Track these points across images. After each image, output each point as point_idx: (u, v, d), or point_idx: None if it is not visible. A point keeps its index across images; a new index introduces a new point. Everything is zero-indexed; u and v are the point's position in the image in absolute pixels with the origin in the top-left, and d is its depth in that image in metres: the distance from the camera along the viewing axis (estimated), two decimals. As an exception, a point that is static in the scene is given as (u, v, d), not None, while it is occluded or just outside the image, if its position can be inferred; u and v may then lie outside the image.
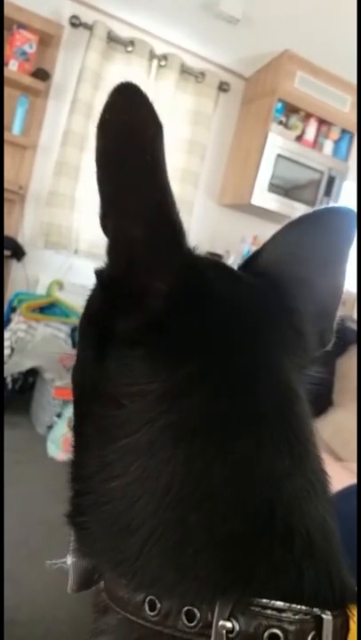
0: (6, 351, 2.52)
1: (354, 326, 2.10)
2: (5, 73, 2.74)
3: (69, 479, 0.40)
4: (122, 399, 0.36)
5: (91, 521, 0.35)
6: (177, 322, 0.36)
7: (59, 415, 2.43)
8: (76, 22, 2.93)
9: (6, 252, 2.82)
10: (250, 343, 0.38)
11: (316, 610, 0.30)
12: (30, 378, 2.71)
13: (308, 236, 0.46)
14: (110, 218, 0.35)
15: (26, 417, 2.65)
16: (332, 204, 0.46)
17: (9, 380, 2.56)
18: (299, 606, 0.29)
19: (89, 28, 2.92)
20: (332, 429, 1.62)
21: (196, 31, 3.01)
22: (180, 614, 0.30)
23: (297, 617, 0.29)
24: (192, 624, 0.30)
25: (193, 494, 0.32)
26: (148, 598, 0.31)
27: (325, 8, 2.50)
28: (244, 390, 0.36)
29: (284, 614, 0.29)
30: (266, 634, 0.29)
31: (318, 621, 0.29)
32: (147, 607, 0.31)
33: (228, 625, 0.29)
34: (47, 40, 2.91)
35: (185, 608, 0.30)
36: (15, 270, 2.98)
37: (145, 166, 0.33)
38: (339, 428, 1.60)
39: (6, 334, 2.58)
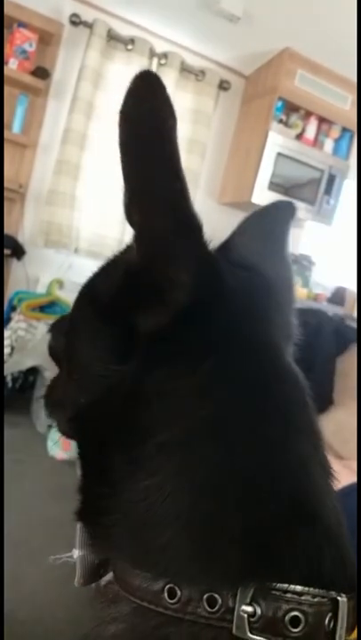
0: (6, 350, 2.51)
1: (354, 325, 2.10)
2: (5, 71, 2.74)
3: (84, 484, 0.41)
4: (151, 398, 0.35)
5: (116, 519, 0.36)
6: (200, 317, 0.36)
7: (59, 414, 2.42)
8: (76, 20, 2.92)
9: (6, 251, 2.82)
10: (264, 336, 0.40)
11: (332, 593, 0.31)
12: (31, 377, 2.71)
13: (258, 229, 0.51)
14: (136, 206, 0.35)
15: (26, 416, 2.65)
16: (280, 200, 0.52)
17: (9, 378, 2.56)
18: (316, 590, 0.31)
19: (89, 26, 2.91)
20: (332, 428, 1.62)
21: (196, 29, 3.00)
22: (201, 601, 0.31)
23: (315, 600, 0.31)
24: (213, 609, 0.31)
25: (228, 485, 0.33)
26: (168, 586, 0.32)
27: (326, 6, 2.49)
28: (269, 380, 0.37)
29: (303, 597, 0.30)
30: (287, 617, 0.30)
31: (335, 604, 0.31)
32: (166, 595, 0.32)
33: (250, 609, 0.30)
34: (47, 38, 2.91)
35: (206, 595, 0.31)
36: (15, 269, 2.98)
37: (167, 156, 0.33)
38: (339, 427, 1.60)
39: (6, 333, 2.57)
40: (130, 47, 3.00)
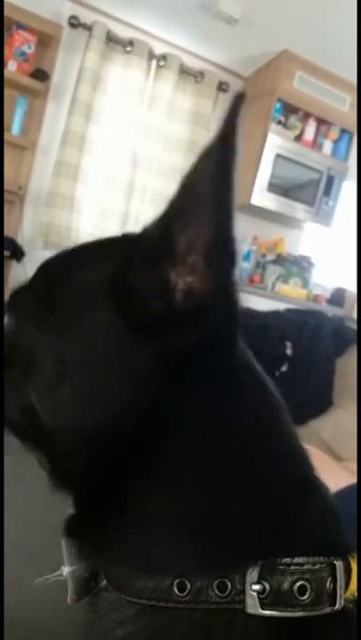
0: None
1: (354, 326, 2.10)
2: (4, 74, 2.74)
3: (81, 503, 0.41)
4: (197, 419, 0.37)
5: (119, 531, 0.37)
6: (228, 334, 0.38)
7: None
8: (75, 23, 2.93)
9: (6, 253, 2.82)
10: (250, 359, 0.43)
11: (331, 558, 0.34)
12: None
13: None
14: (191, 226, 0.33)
15: (26, 418, 2.65)
16: None
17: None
18: (316, 558, 0.34)
19: (88, 28, 2.92)
20: (332, 429, 1.62)
21: (194, 31, 3.01)
22: (211, 588, 0.33)
23: (316, 567, 0.34)
24: (225, 594, 0.33)
25: (240, 472, 0.36)
26: (177, 581, 0.34)
27: (324, 7, 2.50)
28: (271, 391, 0.41)
29: (305, 567, 0.33)
30: (295, 587, 0.33)
31: (332, 567, 0.34)
32: (176, 589, 0.33)
33: (259, 587, 0.32)
34: (46, 40, 2.92)
35: (216, 581, 0.33)
36: (15, 271, 2.98)
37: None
38: (339, 428, 1.60)
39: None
40: (129, 49, 3.01)
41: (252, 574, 0.33)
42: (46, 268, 0.44)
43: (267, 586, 0.33)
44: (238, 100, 0.32)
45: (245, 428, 0.37)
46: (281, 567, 0.33)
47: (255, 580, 0.33)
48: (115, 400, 0.37)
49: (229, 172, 0.31)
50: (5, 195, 2.87)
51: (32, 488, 2.03)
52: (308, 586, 0.33)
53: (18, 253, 2.87)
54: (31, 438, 0.44)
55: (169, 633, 0.34)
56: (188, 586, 0.33)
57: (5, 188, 2.83)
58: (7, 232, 2.91)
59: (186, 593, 0.33)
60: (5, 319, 0.46)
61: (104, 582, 0.40)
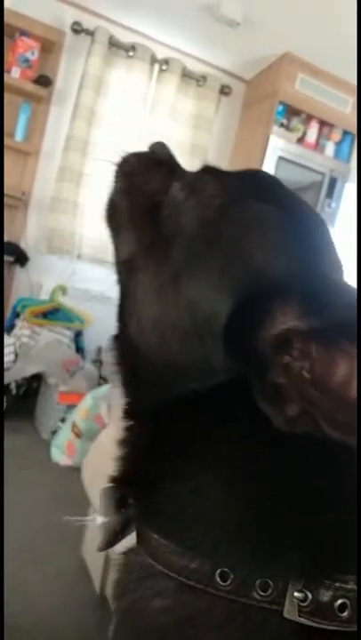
0: (10, 357, 2.52)
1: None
2: (8, 80, 2.76)
3: (146, 457, 0.41)
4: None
5: (177, 501, 0.38)
6: None
7: (62, 420, 2.43)
8: (77, 28, 2.94)
9: (10, 258, 2.84)
10: None
11: None
12: (34, 383, 2.71)
13: None
14: None
15: (30, 422, 2.66)
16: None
17: (13, 385, 2.56)
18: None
19: (90, 33, 2.93)
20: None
21: (196, 35, 3.02)
22: (253, 585, 0.34)
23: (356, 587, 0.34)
24: (266, 593, 0.34)
25: (297, 493, 0.36)
26: (221, 570, 0.35)
27: (325, 10, 2.50)
28: None
29: (349, 585, 0.34)
30: (336, 603, 0.34)
31: None
32: (218, 578, 0.35)
33: (301, 595, 0.33)
34: (49, 47, 2.93)
35: (259, 580, 0.34)
36: (19, 276, 2.99)
37: None
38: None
39: (10, 340, 2.58)
40: (131, 54, 3.02)
41: (298, 582, 0.34)
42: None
43: (309, 595, 0.34)
44: None
45: (316, 447, 0.36)
46: (327, 582, 0.34)
47: (299, 587, 0.34)
48: (188, 353, 0.37)
49: None
50: (9, 200, 2.88)
51: (36, 492, 2.04)
52: (349, 603, 0.34)
53: (22, 258, 2.89)
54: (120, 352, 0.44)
55: (205, 617, 0.35)
56: (232, 577, 0.35)
57: (9, 193, 2.85)
58: (11, 237, 2.93)
59: (228, 583, 0.35)
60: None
61: (133, 542, 0.42)
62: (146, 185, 0.48)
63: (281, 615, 0.33)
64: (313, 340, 0.32)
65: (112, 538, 0.43)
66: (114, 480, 0.43)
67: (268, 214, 0.39)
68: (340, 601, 0.34)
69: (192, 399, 0.38)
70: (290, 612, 0.33)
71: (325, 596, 0.34)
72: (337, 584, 0.34)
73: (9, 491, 1.74)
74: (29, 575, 1.49)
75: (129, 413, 0.44)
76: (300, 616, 0.33)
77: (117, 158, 0.50)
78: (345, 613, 0.34)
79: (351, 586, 0.34)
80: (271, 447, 0.36)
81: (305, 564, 0.35)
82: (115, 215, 0.49)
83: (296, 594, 0.33)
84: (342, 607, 0.34)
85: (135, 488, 0.41)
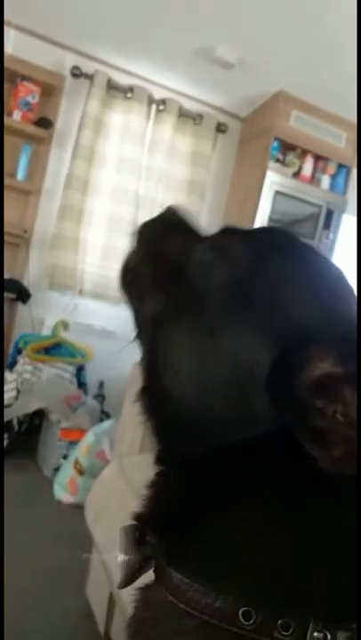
0: (12, 393, 2.52)
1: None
2: (9, 122, 2.85)
3: (176, 495, 0.42)
4: (295, 475, 0.38)
5: (203, 542, 0.39)
6: None
7: (65, 457, 2.40)
8: (77, 73, 3.04)
9: (12, 295, 2.86)
10: None
11: None
12: (36, 419, 2.70)
13: None
14: None
15: (32, 459, 2.63)
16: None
17: (15, 422, 2.55)
18: None
19: (89, 77, 3.03)
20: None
21: (192, 76, 3.11)
22: (275, 625, 0.36)
23: None
24: (287, 633, 0.35)
25: (325, 544, 0.38)
26: (243, 609, 0.36)
27: (316, 50, 2.59)
28: None
29: None
30: None
31: None
32: (241, 617, 0.36)
33: (320, 635, 0.35)
34: (49, 90, 3.03)
35: (281, 620, 0.36)
36: (21, 312, 3.01)
37: None
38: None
39: (12, 376, 2.58)
40: (129, 95, 3.11)
41: (318, 624, 0.35)
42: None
43: (329, 636, 0.35)
44: None
45: (333, 498, 0.38)
46: (346, 624, 0.36)
47: (319, 628, 0.35)
48: (229, 404, 0.39)
49: None
50: (11, 238, 2.93)
51: (38, 532, 2.00)
52: None
53: (24, 296, 2.91)
54: (159, 419, 0.45)
55: None
56: (254, 616, 0.36)
57: (11, 231, 2.90)
58: (13, 275, 2.96)
59: (251, 622, 0.36)
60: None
61: (151, 579, 0.43)
62: (168, 249, 0.51)
63: None
64: (347, 383, 0.33)
65: (131, 575, 0.44)
66: (138, 518, 0.44)
67: (294, 269, 0.43)
68: None
69: (227, 447, 0.39)
70: None
71: (342, 637, 0.35)
72: (354, 625, 0.36)
73: (10, 530, 1.71)
74: (32, 619, 1.45)
75: (160, 460, 0.46)
76: None
77: (138, 226, 0.55)
78: None
79: None
80: (305, 494, 0.38)
81: (329, 609, 0.36)
82: (136, 279, 0.52)
83: (316, 634, 0.35)
84: None
85: (162, 528, 0.42)
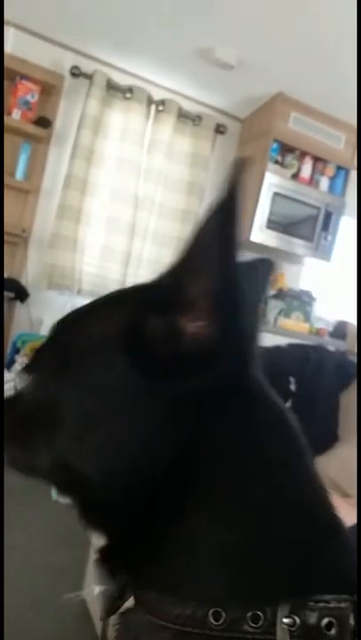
0: (10, 392, 2.51)
1: (356, 360, 2.09)
2: (8, 121, 2.85)
3: (114, 531, 0.42)
4: (224, 458, 0.39)
5: (154, 559, 0.39)
6: (244, 376, 0.40)
7: (63, 456, 2.40)
8: (76, 72, 3.04)
9: (10, 294, 2.86)
10: (270, 394, 0.44)
11: (354, 596, 0.36)
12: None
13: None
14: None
15: (30, 459, 2.63)
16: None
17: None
18: (342, 596, 0.36)
19: (89, 77, 3.03)
20: (338, 465, 1.60)
21: (192, 77, 3.12)
22: (245, 619, 0.35)
23: (342, 605, 0.36)
24: (257, 625, 0.35)
25: (269, 519, 0.38)
26: (213, 611, 0.36)
27: (316, 51, 2.60)
28: (291, 433, 0.43)
29: (332, 604, 0.36)
30: (323, 623, 0.35)
31: (355, 605, 0.36)
32: (211, 618, 0.36)
33: (289, 620, 0.35)
34: (49, 89, 3.03)
35: (249, 613, 0.35)
36: (19, 312, 3.01)
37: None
38: (345, 464, 1.58)
39: (10, 376, 2.58)
40: (128, 95, 3.12)
41: (284, 609, 0.35)
42: (63, 325, 0.46)
43: (297, 620, 0.35)
44: (240, 165, 0.35)
45: (273, 467, 0.40)
46: (310, 604, 0.35)
47: (286, 613, 0.35)
48: (140, 443, 0.39)
49: (233, 230, 0.35)
50: (10, 237, 2.93)
51: (36, 531, 2.01)
52: (335, 622, 0.35)
53: (22, 295, 2.91)
54: (66, 487, 0.45)
55: None
56: (224, 615, 0.36)
57: (10, 230, 2.89)
58: (12, 274, 2.96)
59: (221, 622, 0.35)
60: (28, 379, 0.48)
61: (131, 602, 0.43)
62: None
63: None
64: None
65: (112, 605, 0.44)
66: (101, 554, 0.44)
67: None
68: (325, 620, 0.35)
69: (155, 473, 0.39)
70: (282, 639, 0.35)
71: (312, 617, 0.35)
72: (320, 604, 0.35)
73: (8, 530, 1.71)
74: (30, 619, 1.45)
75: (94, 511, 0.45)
76: None
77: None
78: (332, 631, 0.35)
79: (334, 605, 0.36)
80: (238, 486, 0.38)
81: (285, 587, 0.36)
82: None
83: (285, 620, 0.35)
84: (329, 626, 0.35)
85: (122, 560, 0.43)
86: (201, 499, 0.38)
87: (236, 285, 0.35)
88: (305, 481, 0.41)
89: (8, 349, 2.83)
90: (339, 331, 3.50)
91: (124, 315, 0.41)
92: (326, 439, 1.68)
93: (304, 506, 0.40)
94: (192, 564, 0.38)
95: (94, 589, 0.44)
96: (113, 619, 0.45)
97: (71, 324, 0.46)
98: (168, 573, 0.39)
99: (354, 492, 1.49)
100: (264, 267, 0.57)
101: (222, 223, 0.35)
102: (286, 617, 0.35)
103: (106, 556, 0.44)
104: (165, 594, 0.38)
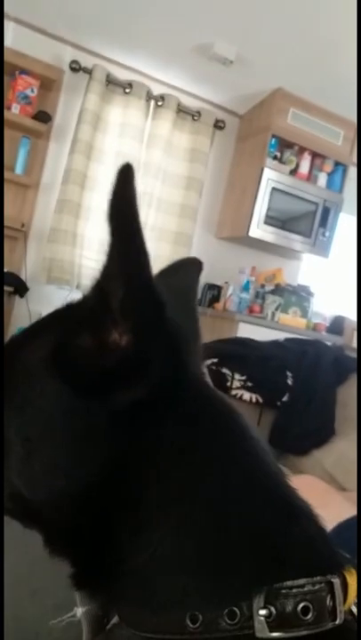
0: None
1: (353, 355, 2.11)
2: (8, 116, 2.85)
3: (76, 555, 0.43)
4: (144, 464, 0.39)
5: (123, 575, 0.39)
6: (169, 385, 0.40)
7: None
8: (75, 67, 3.05)
9: (9, 288, 2.87)
10: (208, 390, 0.45)
11: (328, 576, 0.36)
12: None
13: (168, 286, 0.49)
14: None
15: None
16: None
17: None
18: (315, 578, 0.36)
19: (88, 72, 3.04)
20: (334, 459, 1.62)
21: (191, 73, 3.13)
22: (222, 617, 0.35)
23: (316, 587, 0.36)
24: (234, 621, 0.35)
25: (228, 516, 0.38)
26: (189, 614, 0.36)
27: (315, 47, 2.61)
28: (232, 424, 0.43)
29: (306, 588, 0.35)
30: (298, 608, 0.35)
31: (330, 585, 0.36)
32: (189, 622, 0.36)
33: (265, 612, 0.34)
34: (48, 84, 3.03)
35: (225, 610, 0.35)
36: (18, 306, 3.02)
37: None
38: (341, 458, 1.60)
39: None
40: (128, 90, 3.12)
41: (258, 601, 0.35)
42: (6, 351, 0.46)
43: (273, 610, 0.34)
44: (127, 170, 0.34)
45: (221, 464, 0.40)
46: (284, 591, 0.35)
47: (261, 605, 0.35)
48: (82, 463, 0.39)
49: (128, 232, 0.34)
50: (9, 232, 2.94)
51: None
52: (311, 606, 0.35)
53: (21, 289, 2.92)
54: (26, 518, 0.45)
55: None
56: (200, 617, 0.35)
57: (9, 225, 2.90)
58: (11, 268, 2.97)
59: (198, 624, 0.35)
60: None
61: (116, 619, 0.42)
62: None
63: (255, 636, 0.34)
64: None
65: (98, 624, 0.44)
66: (74, 580, 0.43)
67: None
68: (301, 605, 0.35)
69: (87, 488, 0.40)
70: (260, 631, 0.34)
71: (288, 605, 0.35)
72: (294, 590, 0.35)
73: (8, 521, 1.73)
74: (28, 607, 1.47)
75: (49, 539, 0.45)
76: (270, 631, 0.34)
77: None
78: (309, 616, 0.35)
79: (308, 588, 0.35)
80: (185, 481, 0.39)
81: (256, 579, 0.36)
82: None
83: (261, 612, 0.34)
84: (305, 610, 0.35)
85: (94, 582, 0.42)
86: (152, 507, 0.38)
87: (144, 289, 0.35)
88: (258, 471, 0.41)
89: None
90: (336, 326, 3.52)
91: (53, 336, 0.41)
92: (323, 433, 1.70)
93: (259, 495, 0.39)
94: (158, 573, 0.37)
95: (77, 612, 0.45)
96: (100, 637, 0.45)
97: (12, 351, 0.45)
98: (138, 585, 0.38)
99: (350, 485, 1.52)
100: (194, 265, 0.59)
101: (117, 230, 0.35)
102: (262, 608, 0.35)
103: (78, 581, 0.43)
104: (142, 606, 0.38)
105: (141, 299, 0.35)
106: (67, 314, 0.43)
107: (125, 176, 0.34)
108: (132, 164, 0.34)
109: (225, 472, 0.39)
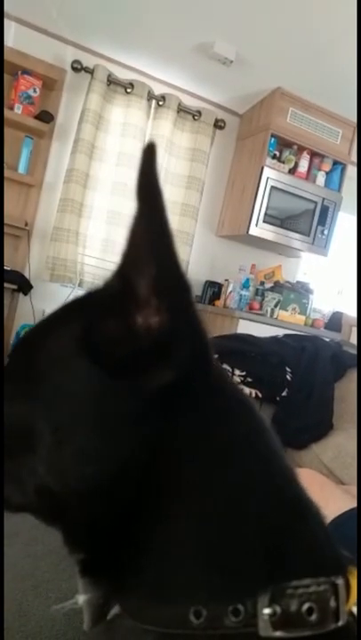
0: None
1: (352, 351, 2.15)
2: (10, 116, 2.88)
3: (90, 542, 0.43)
4: (172, 451, 0.39)
5: (133, 565, 0.39)
6: (203, 364, 0.40)
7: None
8: (77, 67, 3.08)
9: (13, 286, 2.91)
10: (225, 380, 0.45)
11: (332, 578, 0.36)
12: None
13: None
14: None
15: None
16: None
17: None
18: (320, 579, 0.36)
19: (90, 71, 3.07)
20: (332, 452, 1.65)
21: (191, 72, 3.16)
22: (226, 614, 0.35)
23: (321, 588, 0.36)
24: (239, 618, 0.35)
25: (241, 513, 0.38)
26: (193, 609, 0.36)
27: (314, 47, 2.64)
28: (254, 422, 0.43)
29: (311, 589, 0.35)
30: (303, 609, 0.35)
31: (334, 586, 0.36)
32: (193, 617, 0.35)
33: (270, 611, 0.34)
34: (50, 84, 3.06)
35: (230, 607, 0.35)
36: (22, 303, 3.06)
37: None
38: (339, 452, 1.63)
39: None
40: (129, 90, 3.16)
41: (264, 599, 0.34)
42: (23, 344, 0.46)
43: (277, 609, 0.34)
44: (152, 148, 0.34)
45: (237, 457, 0.39)
46: (289, 591, 0.35)
47: (266, 604, 0.34)
48: (112, 447, 0.38)
49: (158, 213, 0.35)
50: (12, 230, 2.98)
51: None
52: (315, 606, 0.35)
53: (25, 287, 2.96)
54: (51, 512, 0.44)
55: None
56: (205, 613, 0.35)
57: (12, 223, 2.94)
58: (15, 266, 3.01)
59: (202, 620, 0.35)
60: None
61: (117, 609, 0.43)
62: None
63: (258, 635, 0.34)
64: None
65: (98, 612, 0.44)
66: (82, 566, 0.44)
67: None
68: (306, 605, 0.35)
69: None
70: (264, 630, 0.34)
71: (292, 605, 0.34)
72: (300, 590, 0.35)
73: (10, 516, 1.72)
74: (32, 602, 1.47)
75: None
76: (274, 630, 0.34)
77: None
78: (313, 616, 0.35)
79: (313, 589, 0.35)
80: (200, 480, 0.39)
81: (262, 577, 0.36)
82: None
83: (265, 610, 0.34)
84: (310, 611, 0.35)
85: (104, 571, 0.43)
86: (176, 497, 0.38)
87: (175, 269, 0.35)
88: (274, 467, 0.40)
89: (12, 340, 2.89)
90: (334, 322, 3.55)
91: (79, 321, 0.40)
92: (322, 427, 1.74)
93: (274, 492, 0.39)
94: (171, 566, 0.37)
95: (79, 599, 0.44)
96: (100, 626, 0.45)
97: (31, 341, 0.45)
98: (149, 578, 0.39)
99: (348, 479, 1.55)
100: None
101: (146, 210, 0.35)
102: (267, 607, 0.34)
103: (86, 567, 0.43)
104: (147, 598, 0.39)
105: (175, 277, 0.35)
106: (90, 300, 0.42)
107: (150, 154, 0.34)
108: (155, 142, 0.35)
109: (245, 465, 0.39)
